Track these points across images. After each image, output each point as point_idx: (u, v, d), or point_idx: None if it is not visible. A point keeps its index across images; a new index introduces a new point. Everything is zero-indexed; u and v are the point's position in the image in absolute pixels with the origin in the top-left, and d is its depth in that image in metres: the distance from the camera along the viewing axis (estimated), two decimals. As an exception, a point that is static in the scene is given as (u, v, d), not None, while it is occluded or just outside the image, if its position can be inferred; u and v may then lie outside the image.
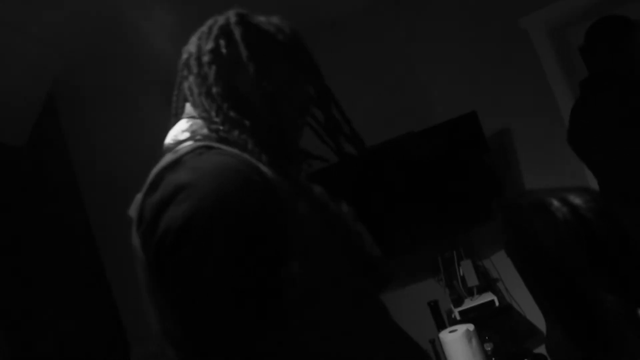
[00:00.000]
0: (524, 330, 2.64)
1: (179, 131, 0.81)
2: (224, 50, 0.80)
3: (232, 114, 0.77)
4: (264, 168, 0.72)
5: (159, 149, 0.83)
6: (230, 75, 0.80)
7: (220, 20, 0.85)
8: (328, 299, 0.69)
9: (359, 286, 0.77)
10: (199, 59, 0.81)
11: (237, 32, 0.81)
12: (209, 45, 0.81)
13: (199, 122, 0.80)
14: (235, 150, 0.74)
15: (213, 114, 0.77)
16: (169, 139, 0.82)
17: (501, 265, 2.74)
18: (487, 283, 2.68)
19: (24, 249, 2.19)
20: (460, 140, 2.57)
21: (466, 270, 2.58)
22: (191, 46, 0.85)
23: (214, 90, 0.78)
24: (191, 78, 0.82)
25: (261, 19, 0.86)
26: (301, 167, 0.87)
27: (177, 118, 0.86)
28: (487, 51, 2.78)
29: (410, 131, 2.54)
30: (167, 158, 0.74)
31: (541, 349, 2.49)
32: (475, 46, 2.79)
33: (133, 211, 0.75)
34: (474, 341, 2.29)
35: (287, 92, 0.84)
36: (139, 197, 0.74)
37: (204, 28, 0.86)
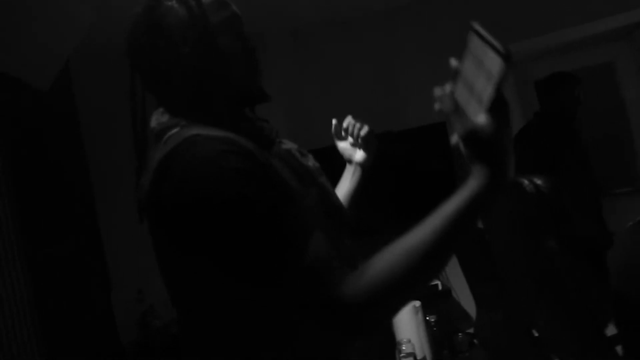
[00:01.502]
0: (458, 313, 3.10)
1: (160, 120, 0.84)
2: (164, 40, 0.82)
3: (192, 97, 0.83)
4: (239, 138, 0.76)
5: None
6: (173, 60, 0.82)
7: (139, 11, 0.86)
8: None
9: (333, 234, 0.79)
10: (146, 59, 0.85)
11: (169, 12, 0.82)
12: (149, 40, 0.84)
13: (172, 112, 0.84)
14: (217, 132, 0.77)
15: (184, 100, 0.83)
16: (154, 121, 0.85)
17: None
18: (433, 270, 3.13)
19: (22, 185, 2.35)
20: (428, 145, 2.98)
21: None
22: (131, 46, 0.87)
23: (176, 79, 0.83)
24: (148, 69, 0.86)
25: None
26: (274, 130, 0.92)
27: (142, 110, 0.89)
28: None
29: (389, 130, 2.92)
30: (165, 147, 0.77)
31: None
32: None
33: (140, 192, 0.80)
34: (420, 314, 2.72)
35: (231, 45, 0.85)
36: (144, 182, 0.79)
37: (135, 21, 0.86)
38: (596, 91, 3.59)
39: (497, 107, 0.64)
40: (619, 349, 1.51)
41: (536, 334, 2.25)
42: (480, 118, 0.65)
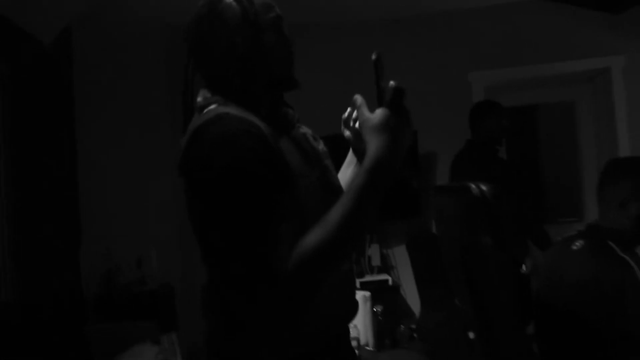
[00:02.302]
0: (403, 308, 3.35)
1: (205, 96, 1.01)
2: (215, 32, 0.99)
3: (237, 81, 0.99)
4: (260, 123, 0.93)
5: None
6: (227, 48, 0.99)
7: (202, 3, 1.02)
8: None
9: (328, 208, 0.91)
10: (203, 45, 1.02)
11: (227, 8, 0.99)
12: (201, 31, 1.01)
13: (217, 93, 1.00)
14: (239, 112, 0.93)
15: (223, 86, 0.99)
16: (200, 98, 1.01)
17: (399, 257, 3.43)
18: (386, 267, 3.36)
19: (12, 131, 2.45)
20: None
21: (373, 252, 3.25)
22: (191, 34, 1.03)
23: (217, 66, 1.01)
24: (204, 54, 1.02)
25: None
26: (294, 114, 1.08)
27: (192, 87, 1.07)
28: (437, 91, 3.43)
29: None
30: (201, 118, 0.94)
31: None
32: (428, 85, 3.42)
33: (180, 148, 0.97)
34: (368, 304, 2.93)
35: (273, 40, 1.02)
36: (182, 141, 0.97)
37: (198, 12, 1.02)
38: (557, 127, 3.90)
39: (397, 110, 0.91)
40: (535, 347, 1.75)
41: (472, 336, 2.50)
42: (376, 111, 0.92)
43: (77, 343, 2.52)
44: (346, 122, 1.11)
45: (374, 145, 0.90)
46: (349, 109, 1.10)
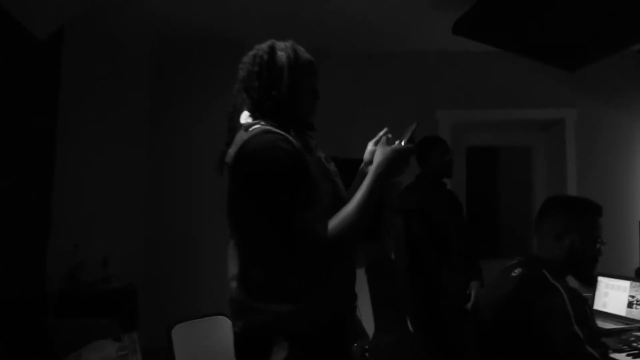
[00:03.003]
0: (357, 329, 3.47)
1: (248, 116, 1.34)
2: (266, 72, 1.33)
3: (274, 109, 1.33)
4: (294, 140, 1.26)
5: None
6: (272, 86, 1.32)
7: (264, 49, 1.36)
8: None
9: (334, 212, 1.27)
10: (255, 79, 1.34)
11: (280, 58, 1.34)
12: (257, 71, 1.34)
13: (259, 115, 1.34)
14: (279, 131, 1.27)
15: (269, 111, 1.33)
16: (243, 119, 1.33)
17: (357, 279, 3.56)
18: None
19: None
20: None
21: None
22: (247, 66, 1.36)
23: (263, 99, 1.34)
24: (254, 85, 1.34)
25: (294, 48, 1.36)
26: (312, 137, 1.43)
27: (239, 107, 1.38)
28: (406, 126, 3.64)
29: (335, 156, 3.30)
30: (246, 135, 1.26)
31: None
32: (397, 119, 3.64)
33: (229, 158, 1.27)
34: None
35: (306, 92, 1.37)
36: (231, 151, 1.27)
37: (257, 53, 1.36)
38: (515, 168, 4.18)
39: (405, 148, 1.31)
40: None
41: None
42: (390, 147, 1.32)
43: (37, 336, 2.54)
44: (374, 142, 1.48)
45: (380, 162, 1.30)
46: (379, 134, 1.44)
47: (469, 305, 2.54)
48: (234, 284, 1.37)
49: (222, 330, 2.28)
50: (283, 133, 1.28)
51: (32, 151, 2.77)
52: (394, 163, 1.31)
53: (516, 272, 1.75)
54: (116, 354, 2.31)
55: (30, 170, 2.77)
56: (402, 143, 1.34)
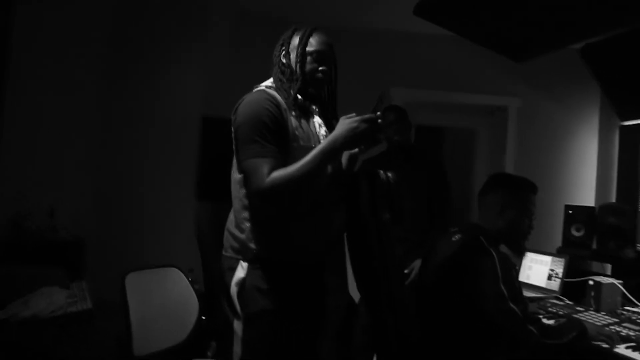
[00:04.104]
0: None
1: (270, 81, 1.61)
2: (284, 50, 1.60)
3: (282, 78, 1.58)
4: (281, 100, 1.51)
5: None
6: (284, 59, 1.59)
7: (289, 33, 1.63)
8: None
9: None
10: (275, 55, 1.62)
11: (295, 40, 1.59)
12: (280, 48, 1.62)
13: (271, 80, 1.61)
14: (271, 91, 1.53)
15: (277, 78, 1.59)
16: (264, 83, 1.60)
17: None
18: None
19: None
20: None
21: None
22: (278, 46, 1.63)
23: (276, 69, 1.61)
24: (274, 56, 1.63)
25: (312, 34, 1.60)
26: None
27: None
28: (360, 102, 3.75)
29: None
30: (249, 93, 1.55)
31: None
32: (352, 95, 3.75)
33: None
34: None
35: (312, 72, 1.58)
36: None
37: (284, 36, 1.63)
38: (459, 148, 4.42)
39: (363, 117, 1.45)
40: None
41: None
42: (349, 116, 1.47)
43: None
44: None
45: (337, 130, 1.45)
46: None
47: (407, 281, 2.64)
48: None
49: (173, 281, 2.34)
50: (273, 93, 1.52)
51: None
52: (349, 129, 1.43)
53: (456, 237, 1.92)
54: (65, 300, 2.33)
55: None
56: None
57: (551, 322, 2.08)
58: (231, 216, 1.60)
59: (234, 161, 1.56)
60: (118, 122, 3.40)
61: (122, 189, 3.35)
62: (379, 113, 1.47)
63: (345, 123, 1.45)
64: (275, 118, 1.46)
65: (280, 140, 1.46)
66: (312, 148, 1.47)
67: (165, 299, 2.25)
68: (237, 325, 1.53)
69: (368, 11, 3.51)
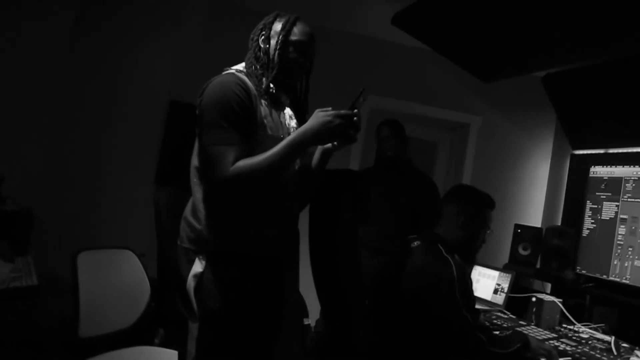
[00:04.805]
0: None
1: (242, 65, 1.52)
2: (264, 35, 1.52)
3: (256, 64, 1.51)
4: (251, 86, 1.42)
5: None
6: (265, 46, 1.51)
7: (270, 18, 1.56)
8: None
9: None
10: (252, 39, 1.55)
11: (275, 27, 1.53)
12: (259, 32, 1.54)
13: (243, 64, 1.53)
14: (241, 76, 1.44)
15: (250, 62, 1.52)
16: (235, 66, 1.51)
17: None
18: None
19: None
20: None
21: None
22: (258, 25, 1.56)
23: (251, 53, 1.54)
24: (252, 39, 1.55)
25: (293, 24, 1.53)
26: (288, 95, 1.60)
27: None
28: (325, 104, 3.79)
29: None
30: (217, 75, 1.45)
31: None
32: (319, 96, 3.78)
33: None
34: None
35: (291, 60, 1.51)
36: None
37: (265, 20, 1.55)
38: (420, 160, 4.52)
39: (338, 113, 1.37)
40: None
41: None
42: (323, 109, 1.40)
43: None
44: None
45: (309, 123, 1.38)
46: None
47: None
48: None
49: (127, 263, 2.29)
50: (243, 78, 1.43)
51: None
52: (323, 122, 1.35)
53: (415, 244, 1.98)
54: (8, 274, 2.23)
55: None
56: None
57: (497, 332, 2.17)
58: (189, 205, 1.51)
59: (195, 146, 1.47)
60: (81, 93, 3.24)
61: (78, 162, 3.18)
62: (356, 110, 1.38)
63: (319, 116, 1.37)
64: (244, 103, 1.38)
65: (247, 127, 1.39)
66: (280, 139, 1.40)
67: (118, 280, 2.20)
68: (192, 325, 1.45)
69: (345, 14, 3.55)
